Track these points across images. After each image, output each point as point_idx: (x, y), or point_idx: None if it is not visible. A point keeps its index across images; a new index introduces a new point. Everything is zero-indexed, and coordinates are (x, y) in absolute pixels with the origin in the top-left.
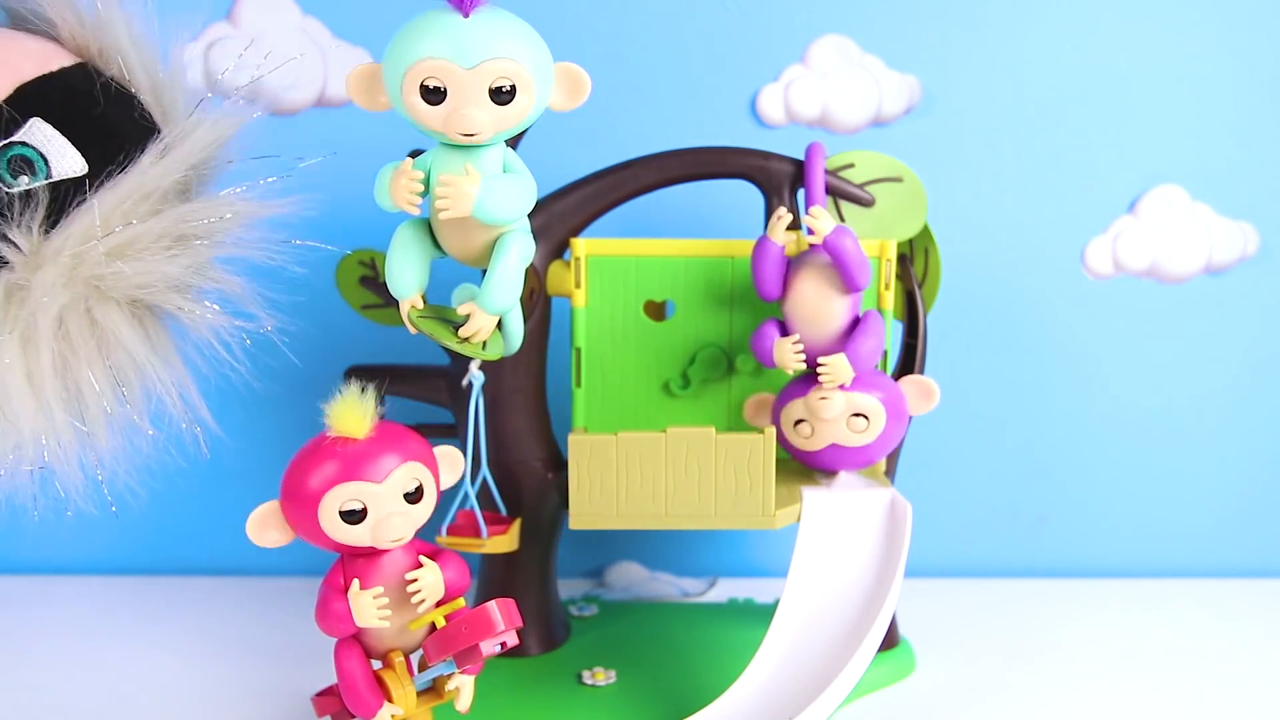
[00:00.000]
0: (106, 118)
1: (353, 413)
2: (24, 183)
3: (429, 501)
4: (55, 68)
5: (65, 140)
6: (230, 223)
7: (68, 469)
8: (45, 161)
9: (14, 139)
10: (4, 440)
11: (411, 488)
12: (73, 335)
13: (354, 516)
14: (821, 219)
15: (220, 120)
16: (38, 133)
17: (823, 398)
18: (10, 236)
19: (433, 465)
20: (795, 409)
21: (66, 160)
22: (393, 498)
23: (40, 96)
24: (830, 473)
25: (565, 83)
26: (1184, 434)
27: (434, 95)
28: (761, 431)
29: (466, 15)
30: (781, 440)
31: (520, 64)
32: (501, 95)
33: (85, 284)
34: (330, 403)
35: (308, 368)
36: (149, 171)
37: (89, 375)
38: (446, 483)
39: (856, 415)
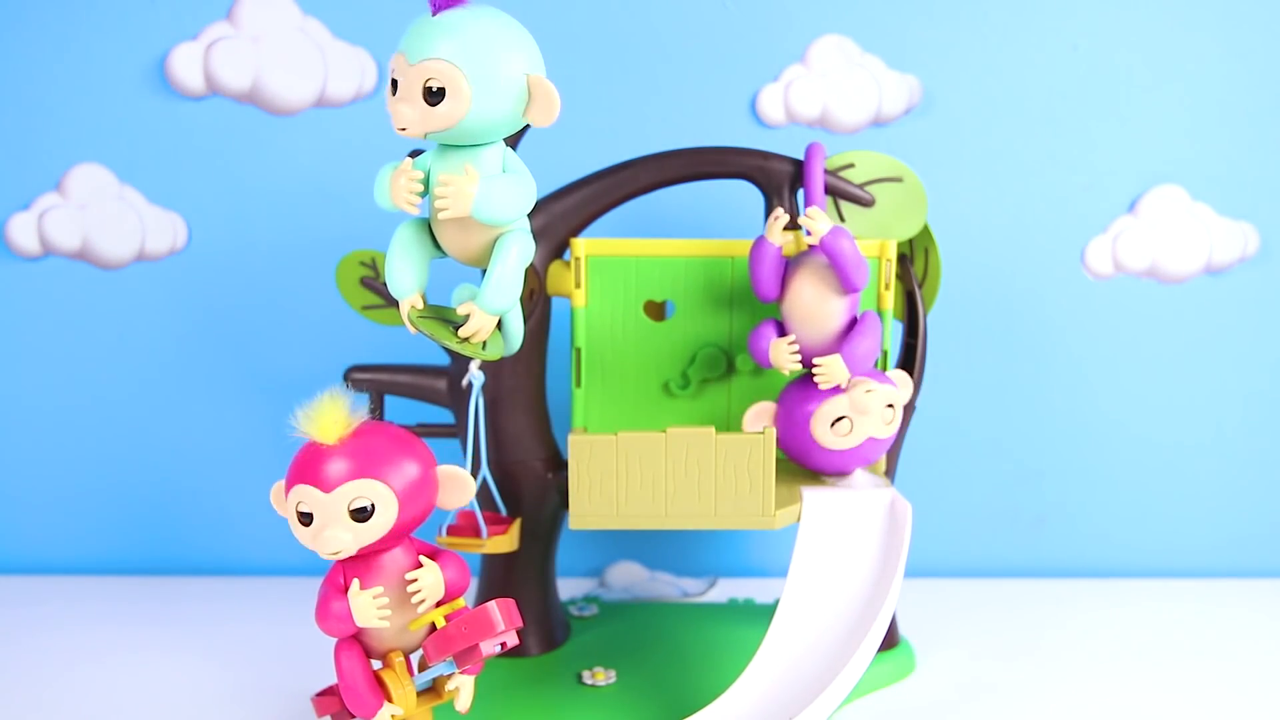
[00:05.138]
0: None
1: (319, 417)
2: None
3: (380, 524)
4: None
5: None
6: None
7: None
8: None
9: None
10: None
11: (357, 506)
12: None
13: (305, 519)
14: (818, 219)
15: None
16: None
17: (869, 390)
18: None
19: (403, 487)
20: (837, 406)
21: None
22: (336, 510)
23: None
24: (842, 474)
25: (535, 97)
26: (1184, 434)
27: (394, 87)
28: (761, 431)
29: (434, 14)
30: (791, 444)
31: (454, 66)
32: (431, 95)
33: None
34: (304, 406)
35: (308, 368)
36: None
37: None
38: (450, 504)
39: (889, 406)
